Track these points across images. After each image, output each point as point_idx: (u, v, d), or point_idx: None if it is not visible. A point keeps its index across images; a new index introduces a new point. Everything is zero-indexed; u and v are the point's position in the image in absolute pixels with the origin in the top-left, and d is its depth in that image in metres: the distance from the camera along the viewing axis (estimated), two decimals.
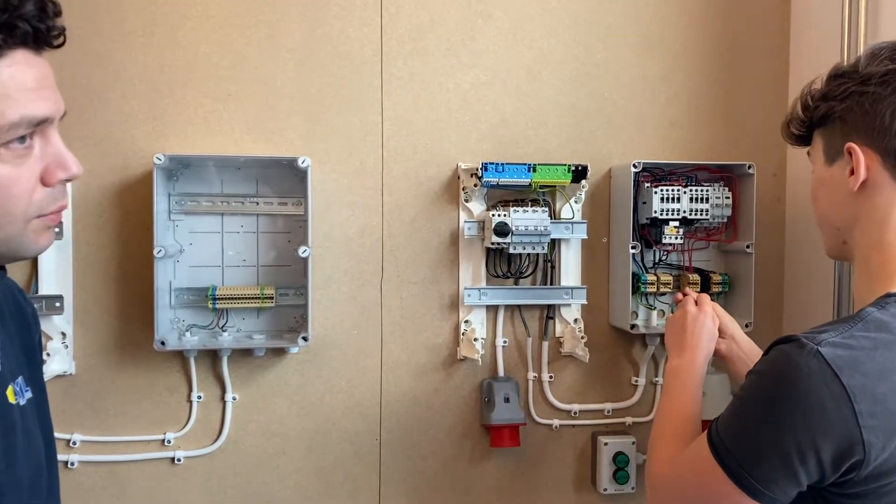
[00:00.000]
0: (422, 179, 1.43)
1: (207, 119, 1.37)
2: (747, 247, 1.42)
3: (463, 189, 1.42)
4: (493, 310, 1.45)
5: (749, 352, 1.20)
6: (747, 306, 1.42)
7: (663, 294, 1.46)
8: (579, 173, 1.38)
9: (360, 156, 1.41)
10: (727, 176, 1.47)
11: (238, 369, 1.39)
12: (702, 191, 1.40)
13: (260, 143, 1.38)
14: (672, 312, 1.42)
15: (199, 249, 1.37)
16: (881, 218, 0.84)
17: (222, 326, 1.37)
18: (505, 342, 1.46)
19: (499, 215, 1.36)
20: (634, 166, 1.38)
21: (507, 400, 1.41)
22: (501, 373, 1.45)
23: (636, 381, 1.51)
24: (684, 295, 1.24)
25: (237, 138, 1.37)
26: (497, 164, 1.35)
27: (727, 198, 1.44)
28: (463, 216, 1.42)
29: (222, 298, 1.32)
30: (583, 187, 1.41)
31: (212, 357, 1.38)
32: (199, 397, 1.38)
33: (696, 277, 1.45)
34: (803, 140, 0.95)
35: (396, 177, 1.42)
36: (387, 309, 1.43)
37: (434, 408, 1.45)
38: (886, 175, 0.83)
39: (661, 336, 1.43)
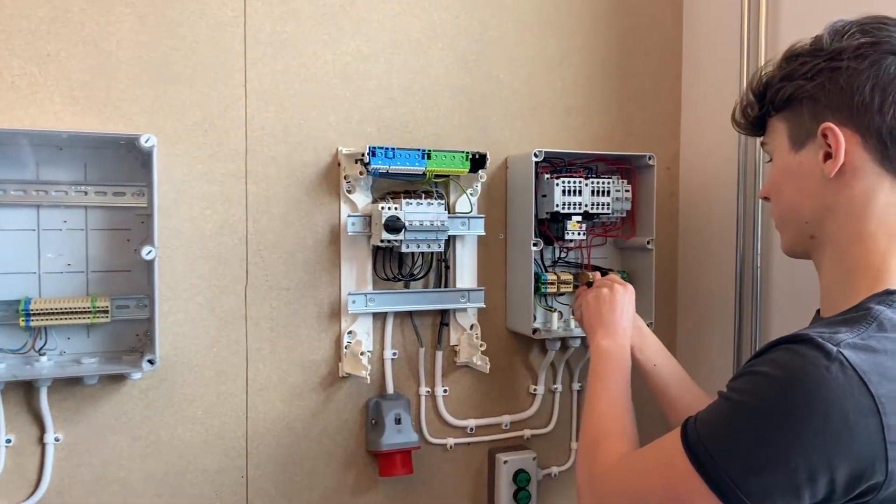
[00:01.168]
0: (295, 166, 1.21)
1: (16, 84, 1.06)
2: (648, 243, 1.34)
3: (345, 178, 1.22)
4: (380, 318, 1.27)
5: (653, 347, 1.11)
6: (648, 305, 1.34)
7: (562, 294, 1.34)
8: (478, 162, 1.23)
9: (218, 136, 1.17)
10: (625, 168, 1.38)
11: (61, 403, 1.10)
12: (603, 183, 1.30)
13: (88, 116, 1.10)
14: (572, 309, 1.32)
15: (6, 252, 1.06)
16: (861, 206, 0.75)
17: (39, 350, 1.08)
18: (395, 354, 1.28)
19: (390, 208, 1.17)
20: (536, 155, 1.26)
21: (398, 421, 1.23)
22: (391, 390, 1.27)
23: (534, 389, 1.38)
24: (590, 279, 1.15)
25: (57, 110, 1.08)
26: (387, 148, 1.16)
27: (627, 191, 1.35)
28: (345, 209, 1.22)
29: (39, 314, 1.03)
30: (480, 178, 1.26)
31: (25, 389, 1.08)
32: (9, 441, 1.07)
33: (595, 274, 1.34)
34: (757, 128, 0.86)
35: (264, 162, 1.19)
36: (253, 321, 1.19)
37: (312, 435, 1.24)
38: (867, 157, 0.74)
39: (562, 340, 1.32)
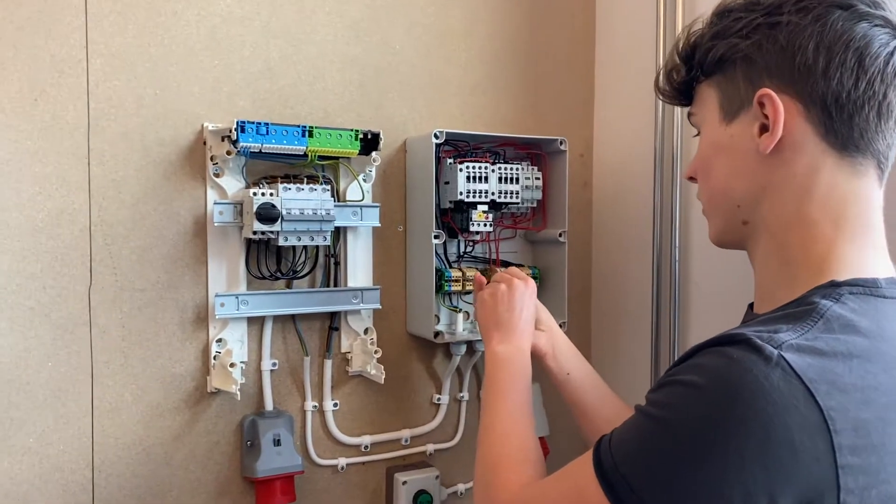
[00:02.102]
0: (150, 144, 1.02)
1: None
2: (560, 235, 1.22)
3: (212, 159, 1.03)
4: (257, 323, 1.09)
5: (566, 353, 0.99)
6: (560, 304, 1.22)
7: (468, 293, 1.21)
8: (370, 142, 1.08)
9: (51, 107, 0.96)
10: (535, 154, 1.25)
11: None
12: (512, 170, 1.17)
13: None
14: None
15: None
16: (801, 187, 0.63)
17: None
18: (274, 365, 1.10)
19: (263, 194, 1.00)
20: (436, 136, 1.11)
21: (277, 442, 1.06)
22: (270, 406, 1.09)
23: (438, 399, 1.24)
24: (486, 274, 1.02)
25: None
26: (259, 123, 0.99)
27: (537, 178, 1.22)
28: (212, 196, 1.04)
29: None
30: (374, 161, 1.10)
31: None
32: None
33: (502, 270, 1.21)
34: (684, 95, 0.74)
35: (111, 139, 1.00)
36: (100, 329, 1.00)
37: (176, 461, 1.05)
38: (809, 130, 0.63)
39: (469, 343, 1.18)
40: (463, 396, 1.25)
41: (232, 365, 1.02)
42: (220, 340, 1.06)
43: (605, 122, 1.36)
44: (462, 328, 1.19)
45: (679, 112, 1.18)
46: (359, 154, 1.06)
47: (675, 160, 1.19)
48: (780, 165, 0.63)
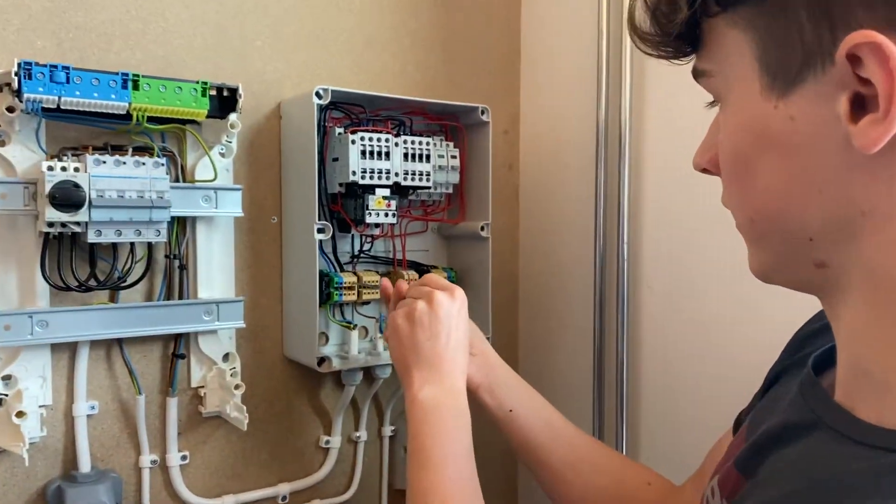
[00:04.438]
0: None
1: None
2: (482, 229, 0.97)
3: None
4: (66, 351, 0.78)
5: (507, 383, 0.75)
6: (483, 314, 0.97)
7: (366, 303, 0.93)
8: (225, 101, 0.79)
9: None
10: (450, 126, 1.00)
11: None
12: (421, 145, 0.91)
13: None
14: (384, 324, 0.92)
15: None
16: None
17: None
18: (93, 408, 0.80)
19: (64, 169, 0.70)
20: (318, 96, 0.83)
21: None
22: (86, 466, 0.78)
23: (327, 441, 0.96)
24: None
25: None
26: (55, 66, 0.68)
27: (454, 157, 0.97)
28: None
29: None
30: (232, 128, 0.81)
31: None
32: None
33: (412, 275, 0.95)
34: (684, 38, 0.43)
35: None
36: None
37: None
38: None
39: (367, 369, 0.91)
40: (360, 436, 0.98)
41: (20, 414, 0.70)
42: (6, 378, 0.74)
43: (535, 91, 1.12)
44: (357, 350, 0.91)
45: (629, 76, 0.95)
46: (209, 116, 0.77)
47: (623, 137, 0.96)
48: (893, 171, 0.35)
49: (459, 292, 0.74)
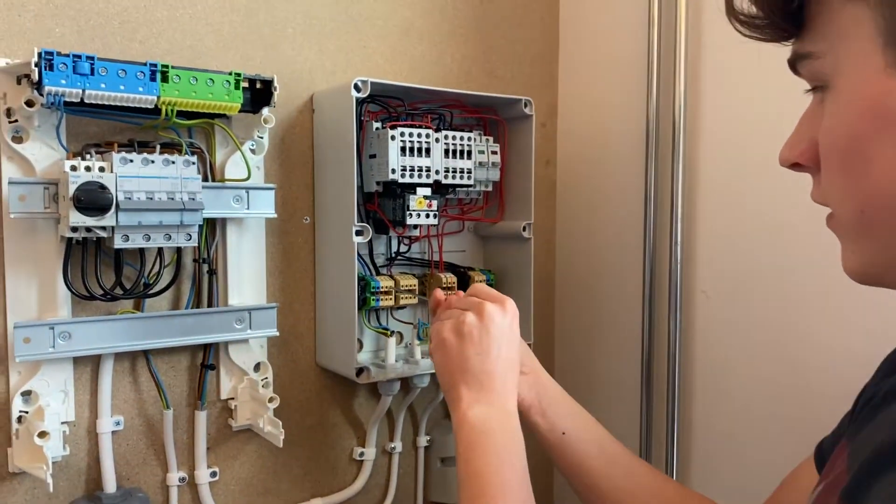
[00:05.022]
0: None
1: None
2: (524, 229, 0.91)
3: (8, 114, 0.66)
4: (88, 364, 0.73)
5: (559, 403, 0.71)
6: (523, 319, 0.89)
7: (401, 307, 0.88)
8: (259, 94, 0.73)
9: None
10: (489, 120, 0.94)
11: None
12: (462, 140, 0.85)
13: None
14: (422, 330, 0.87)
15: None
16: None
17: None
18: (118, 424, 0.75)
19: (88, 169, 0.64)
20: (357, 88, 0.77)
21: None
22: (112, 485, 0.73)
23: (361, 454, 0.91)
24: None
25: None
26: (79, 56, 0.62)
27: (494, 153, 0.91)
28: (9, 171, 0.67)
29: None
30: (265, 123, 0.75)
31: None
32: None
33: (450, 278, 0.90)
34: (791, 20, 0.41)
35: None
36: None
37: None
38: None
39: (408, 378, 0.86)
40: (395, 447, 0.93)
41: (42, 434, 0.65)
42: (27, 394, 0.69)
43: (575, 81, 1.06)
44: (394, 358, 0.86)
45: (683, 62, 0.89)
46: (242, 110, 0.71)
47: (676, 129, 0.90)
48: None
49: (511, 305, 0.68)
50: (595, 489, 0.68)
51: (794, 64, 0.43)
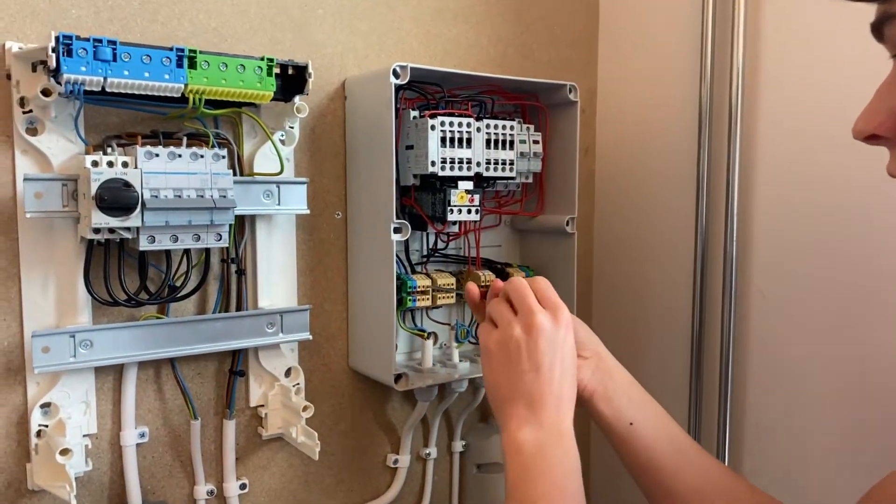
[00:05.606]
0: None
1: None
2: (567, 224, 0.86)
3: (22, 103, 0.61)
4: (111, 373, 0.68)
5: (626, 391, 0.65)
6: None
7: (437, 307, 0.83)
8: (291, 81, 0.67)
9: None
10: (529, 106, 0.88)
11: None
12: (504, 129, 0.79)
13: None
14: (460, 331, 0.82)
15: None
16: None
17: None
18: (143, 436, 0.70)
19: (111, 164, 0.58)
20: (396, 74, 0.72)
21: None
22: (138, 499, 0.69)
23: (395, 461, 0.86)
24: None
25: None
26: (100, 40, 0.57)
27: (536, 142, 0.85)
28: (24, 167, 0.62)
29: None
30: (298, 113, 0.70)
31: None
32: None
33: (488, 275, 0.84)
34: None
35: None
36: None
37: None
38: None
39: (443, 385, 0.81)
40: (429, 453, 0.89)
41: (65, 452, 0.60)
42: (45, 406, 0.64)
43: (617, 63, 1.00)
44: (431, 362, 0.81)
45: (741, 41, 0.82)
46: (273, 98, 0.66)
47: (733, 114, 0.84)
48: None
49: (564, 315, 0.61)
50: (663, 486, 0.63)
51: (881, 26, 0.41)
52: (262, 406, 0.76)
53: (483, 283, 0.83)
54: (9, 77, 0.61)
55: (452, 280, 0.82)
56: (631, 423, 0.63)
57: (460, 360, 0.83)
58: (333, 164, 0.79)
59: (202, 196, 0.61)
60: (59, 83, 0.56)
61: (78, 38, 0.56)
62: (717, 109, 0.86)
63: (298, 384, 0.77)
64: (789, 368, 0.81)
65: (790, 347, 0.81)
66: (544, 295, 0.63)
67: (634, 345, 0.99)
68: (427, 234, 0.84)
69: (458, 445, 0.91)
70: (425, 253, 0.84)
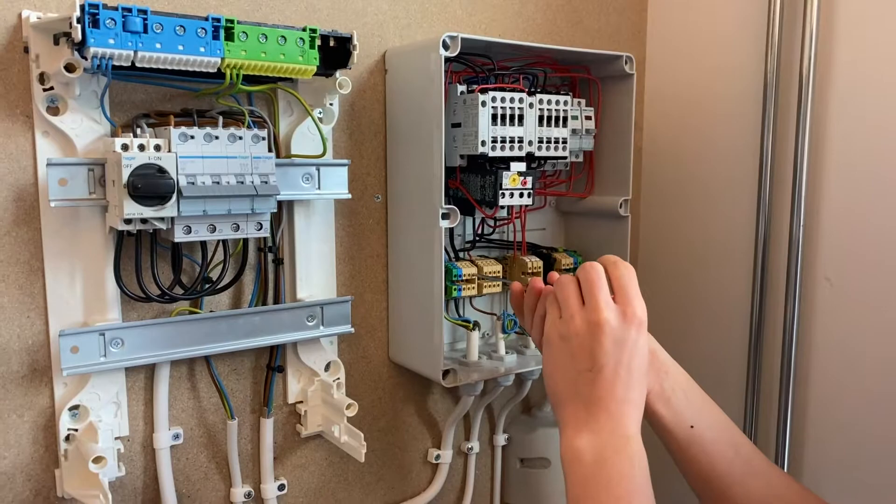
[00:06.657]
0: None
1: None
2: (620, 206, 0.80)
3: (42, 79, 0.55)
4: (142, 372, 0.63)
5: (687, 393, 0.61)
6: None
7: (482, 295, 0.78)
8: (333, 54, 0.61)
9: None
10: (580, 79, 0.82)
11: None
12: (558, 104, 0.73)
13: None
14: (507, 321, 0.77)
15: None
16: None
17: None
18: (177, 437, 0.65)
19: (142, 147, 0.53)
20: (445, 46, 0.65)
21: None
22: (173, 502, 0.65)
23: (437, 457, 0.82)
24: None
25: None
26: (131, 10, 0.51)
27: (588, 119, 0.79)
28: (46, 150, 0.56)
29: None
30: (340, 88, 0.64)
31: None
32: None
33: (535, 262, 0.79)
34: None
35: None
36: None
37: None
38: None
39: (485, 384, 0.77)
40: (472, 448, 0.84)
41: (98, 460, 0.56)
42: (74, 409, 0.60)
43: (669, 31, 0.93)
44: (477, 355, 0.76)
45: (815, 7, 0.76)
46: (316, 74, 0.60)
47: (803, 88, 0.77)
48: None
49: (638, 312, 0.55)
50: (725, 498, 0.58)
51: None
52: (301, 402, 0.71)
53: (529, 271, 0.78)
54: (26, 50, 0.55)
55: (499, 268, 0.76)
56: (692, 426, 0.59)
57: (507, 353, 0.78)
58: (373, 144, 0.73)
59: (242, 182, 0.56)
60: (84, 58, 0.51)
61: (105, 6, 0.50)
62: (784, 78, 0.80)
63: (339, 379, 0.72)
64: (859, 364, 0.76)
65: (860, 341, 0.76)
66: (620, 284, 0.56)
67: (685, 339, 0.94)
68: (470, 221, 0.78)
69: (501, 439, 0.87)
70: (469, 238, 0.79)
